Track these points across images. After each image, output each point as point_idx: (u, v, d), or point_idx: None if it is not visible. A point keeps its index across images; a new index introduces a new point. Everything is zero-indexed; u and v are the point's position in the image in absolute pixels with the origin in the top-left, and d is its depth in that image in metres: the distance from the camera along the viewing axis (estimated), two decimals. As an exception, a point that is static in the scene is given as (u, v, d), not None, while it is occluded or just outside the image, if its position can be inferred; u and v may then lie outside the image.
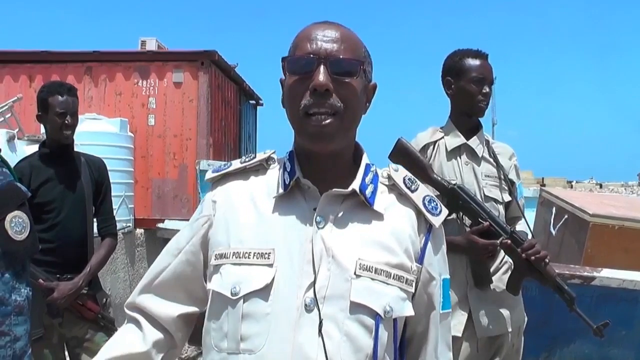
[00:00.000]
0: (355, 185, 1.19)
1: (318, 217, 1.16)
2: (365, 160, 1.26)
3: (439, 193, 2.45)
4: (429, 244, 1.24)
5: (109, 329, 3.07)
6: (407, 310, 1.18)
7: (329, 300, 1.11)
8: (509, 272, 2.51)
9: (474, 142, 2.60)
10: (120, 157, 7.46)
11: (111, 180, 3.35)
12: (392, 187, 1.26)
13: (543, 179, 20.07)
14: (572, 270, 3.66)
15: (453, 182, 2.48)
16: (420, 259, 1.22)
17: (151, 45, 9.36)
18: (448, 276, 1.30)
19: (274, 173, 1.25)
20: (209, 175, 1.30)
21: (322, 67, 1.13)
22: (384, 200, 1.23)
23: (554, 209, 4.84)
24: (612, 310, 3.64)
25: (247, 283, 1.12)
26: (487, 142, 2.64)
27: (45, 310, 2.91)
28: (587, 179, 23.04)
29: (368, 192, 1.20)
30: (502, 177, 2.60)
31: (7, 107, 6.79)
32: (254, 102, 11.64)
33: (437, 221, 1.25)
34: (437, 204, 1.27)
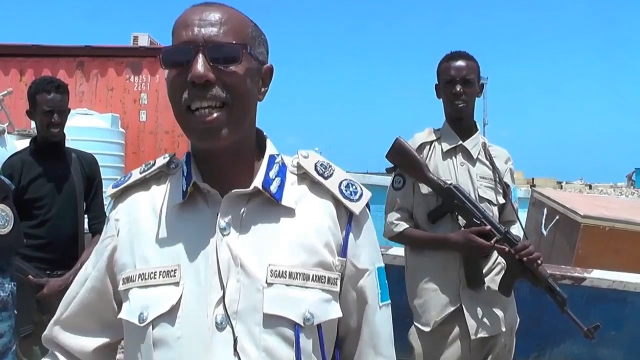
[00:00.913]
0: (258, 182, 1.07)
1: (222, 223, 1.04)
2: (269, 150, 1.13)
3: (432, 191, 2.49)
4: (351, 234, 1.12)
5: None
6: (333, 312, 1.07)
7: (242, 315, 1.00)
8: (502, 273, 2.52)
9: (469, 143, 2.61)
10: (111, 152, 7.42)
11: (102, 176, 3.32)
12: (303, 176, 1.13)
13: (533, 179, 20.18)
14: (563, 271, 3.67)
15: (449, 182, 2.49)
16: (343, 252, 1.10)
17: (143, 41, 9.33)
18: (382, 264, 1.19)
19: (175, 179, 1.13)
20: (109, 191, 1.18)
21: (200, 56, 1.00)
22: (294, 193, 1.10)
23: (545, 209, 4.86)
24: (602, 310, 3.65)
25: (154, 307, 1.02)
26: (484, 144, 2.66)
27: (35, 307, 2.89)
28: (577, 179, 23.17)
29: (273, 187, 1.08)
30: (497, 179, 2.61)
31: (-3, 101, 6.73)
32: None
33: (357, 207, 1.12)
34: (356, 188, 1.14)
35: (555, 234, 4.62)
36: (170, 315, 1.01)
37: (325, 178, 1.12)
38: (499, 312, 2.52)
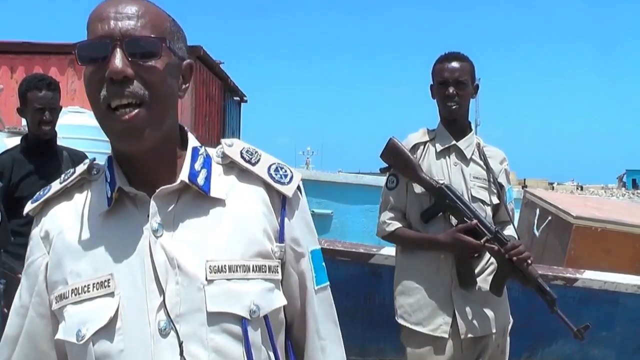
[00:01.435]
0: (184, 175, 1.02)
1: (154, 224, 0.99)
2: (192, 143, 1.09)
3: (425, 191, 2.50)
4: (286, 218, 1.09)
5: None
6: (278, 301, 1.05)
7: (185, 317, 0.96)
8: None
9: (463, 143, 2.61)
10: (103, 151, 7.31)
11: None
12: (230, 165, 1.09)
13: (525, 180, 20.31)
14: (555, 271, 3.68)
15: (441, 182, 2.49)
16: (280, 237, 1.07)
17: (136, 39, 9.26)
18: (318, 247, 1.17)
19: (98, 185, 1.07)
20: (28, 207, 1.11)
21: (117, 51, 0.95)
22: (223, 184, 1.07)
23: (537, 210, 4.87)
24: (593, 311, 3.66)
25: (91, 322, 0.97)
26: (479, 144, 2.66)
27: None
28: (569, 180, 23.31)
29: (200, 179, 1.04)
30: (492, 180, 2.61)
31: (-12, 98, 6.68)
32: (238, 98, 11.63)
33: (289, 190, 1.08)
34: (286, 171, 1.11)
35: (548, 234, 4.63)
36: (109, 329, 0.96)
37: (253, 164, 1.09)
38: (490, 313, 2.52)
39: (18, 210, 2.87)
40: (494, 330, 2.53)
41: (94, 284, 0.99)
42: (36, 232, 1.10)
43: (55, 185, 1.10)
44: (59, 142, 3.17)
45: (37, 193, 1.13)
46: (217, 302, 0.98)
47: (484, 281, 2.54)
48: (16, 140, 5.12)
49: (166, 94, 1.01)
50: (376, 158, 2.65)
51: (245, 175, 1.09)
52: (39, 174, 2.98)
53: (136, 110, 0.96)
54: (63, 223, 1.06)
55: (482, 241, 2.41)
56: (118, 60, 0.94)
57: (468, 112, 2.69)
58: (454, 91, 2.54)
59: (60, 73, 8.41)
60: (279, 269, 1.06)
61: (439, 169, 2.58)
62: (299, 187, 1.12)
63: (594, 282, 3.64)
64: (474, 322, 2.49)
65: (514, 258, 2.39)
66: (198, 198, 1.04)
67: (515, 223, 5.32)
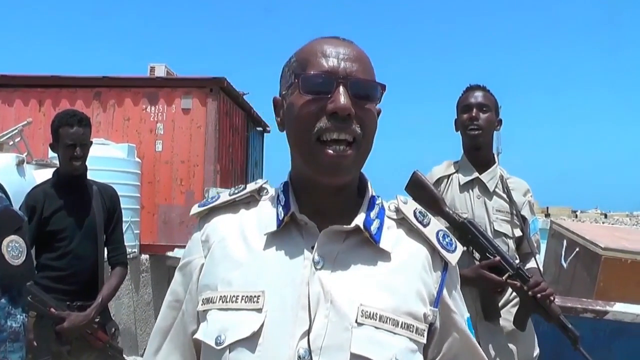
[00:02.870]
0: (359, 220, 1.05)
1: (316, 257, 1.02)
2: (370, 192, 1.12)
3: (449, 225, 2.49)
4: (446, 284, 1.11)
5: (117, 359, 3.08)
6: None
7: (326, 352, 0.96)
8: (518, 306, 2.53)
9: (486, 176, 2.64)
10: (127, 182, 7.45)
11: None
12: (401, 221, 1.12)
13: (548, 208, 20.04)
14: (584, 304, 3.61)
15: (464, 216, 2.49)
16: (436, 302, 1.08)
17: (160, 72, 9.42)
18: (468, 315, 1.19)
19: (267, 205, 1.12)
20: (195, 210, 1.17)
21: (342, 88, 0.99)
22: (391, 237, 1.09)
23: (564, 241, 4.80)
24: (625, 345, 3.59)
25: (233, 331, 0.99)
26: (502, 177, 2.67)
27: (54, 338, 2.91)
28: (592, 208, 22.98)
29: (373, 228, 1.06)
30: (514, 212, 2.62)
31: (16, 131, 6.82)
32: (261, 128, 11.68)
33: (453, 258, 1.11)
34: (451, 240, 1.13)
35: (576, 266, 4.55)
36: (250, 342, 0.98)
37: (424, 226, 1.11)
38: (513, 346, 2.54)
39: (49, 244, 2.97)
40: None
41: (243, 296, 1.01)
42: (197, 235, 1.14)
43: (224, 196, 1.15)
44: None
45: (205, 199, 1.18)
46: (362, 345, 0.97)
47: (507, 313, 2.55)
48: (44, 173, 5.20)
49: (372, 137, 1.06)
50: (401, 188, 2.65)
51: (413, 234, 1.11)
52: (69, 209, 3.06)
53: (349, 149, 1.01)
54: (225, 232, 1.11)
55: (504, 278, 2.40)
56: (344, 97, 0.99)
57: (492, 144, 2.72)
58: (477, 113, 2.60)
59: (86, 105, 8.55)
60: (425, 334, 1.06)
61: (462, 202, 2.62)
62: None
63: (626, 314, 3.55)
64: (497, 354, 2.50)
65: (537, 295, 2.38)
66: (364, 244, 1.06)
67: (542, 254, 5.28)
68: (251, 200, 1.15)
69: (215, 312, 1.02)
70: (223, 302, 1.02)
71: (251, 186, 1.15)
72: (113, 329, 3.14)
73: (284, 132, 1.10)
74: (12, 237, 1.77)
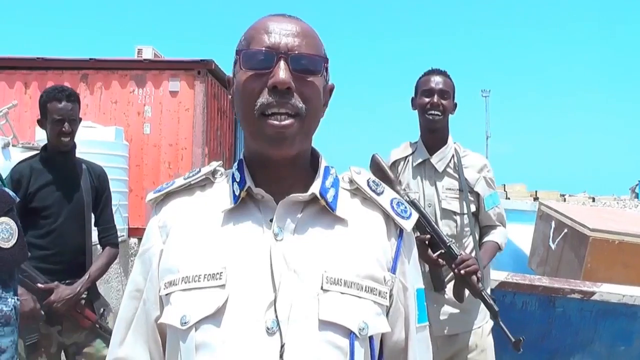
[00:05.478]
0: (315, 189, 1.07)
1: (276, 228, 1.03)
2: (323, 163, 1.15)
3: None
4: (401, 251, 1.13)
5: (107, 339, 3.03)
6: (383, 326, 1.06)
7: (294, 321, 0.97)
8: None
9: (435, 158, 2.84)
10: (115, 165, 7.39)
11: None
12: (356, 191, 1.15)
13: (536, 192, 20.14)
14: (572, 284, 3.65)
15: (411, 197, 2.70)
16: (393, 268, 1.10)
17: (147, 54, 9.32)
18: (422, 286, 1.19)
19: (222, 186, 1.13)
20: (150, 196, 1.16)
21: (282, 63, 1.01)
22: (347, 206, 1.11)
23: (553, 223, 4.84)
24: (611, 325, 3.63)
25: (197, 309, 0.99)
26: (456, 155, 2.84)
27: (44, 319, 2.86)
28: (580, 192, 23.12)
29: (329, 196, 1.08)
30: (467, 189, 2.80)
31: (2, 113, 6.73)
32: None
33: (408, 225, 1.13)
34: (405, 207, 1.16)
35: (564, 247, 4.59)
36: (215, 318, 0.98)
37: (378, 194, 1.14)
38: (461, 314, 2.76)
39: (34, 221, 2.89)
40: (463, 330, 2.77)
41: (205, 275, 1.01)
42: (154, 221, 1.14)
43: (179, 181, 1.16)
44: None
45: (161, 185, 1.18)
46: (329, 311, 0.99)
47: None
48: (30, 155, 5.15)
49: (317, 110, 1.08)
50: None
51: (367, 203, 1.14)
52: (57, 185, 2.98)
53: (290, 120, 1.02)
54: (182, 215, 1.11)
55: (435, 255, 2.61)
56: (283, 71, 1.01)
57: (447, 126, 2.88)
58: (438, 100, 2.77)
59: (73, 88, 8.46)
60: (388, 296, 1.08)
61: (414, 183, 2.85)
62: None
63: (612, 295, 3.60)
64: (445, 321, 2.75)
65: (461, 271, 2.56)
66: (322, 213, 1.08)
67: (530, 235, 5.32)
68: (206, 182, 1.16)
69: (179, 293, 1.02)
70: (185, 282, 1.02)
71: (205, 169, 1.16)
72: (102, 309, 3.09)
73: (234, 109, 1.12)
74: (3, 219, 1.74)
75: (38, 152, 3.08)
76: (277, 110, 1.01)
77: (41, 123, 3.03)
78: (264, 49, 1.03)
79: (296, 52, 1.03)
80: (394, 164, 2.92)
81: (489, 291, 2.85)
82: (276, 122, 1.01)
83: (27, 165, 3.00)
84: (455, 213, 2.78)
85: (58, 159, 3.02)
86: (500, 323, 2.57)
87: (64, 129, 2.93)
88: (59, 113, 2.93)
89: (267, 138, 1.03)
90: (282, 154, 1.05)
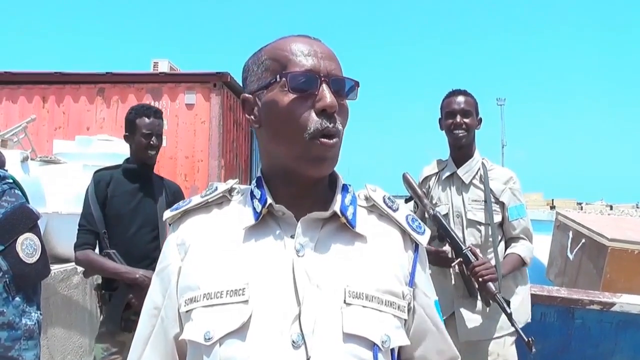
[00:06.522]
0: (336, 207, 1.09)
1: (297, 245, 1.04)
2: (341, 181, 1.17)
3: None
4: (418, 265, 1.16)
5: None
6: (403, 339, 1.08)
7: (319, 334, 0.98)
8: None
9: (461, 171, 2.98)
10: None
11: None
12: (372, 208, 1.17)
13: (553, 200, 19.99)
14: (591, 295, 3.61)
15: (437, 210, 2.87)
16: (410, 282, 1.13)
17: (163, 67, 9.42)
18: (437, 297, 1.24)
19: (240, 203, 1.14)
20: (167, 214, 1.17)
21: (325, 86, 1.03)
22: (365, 222, 1.13)
23: (570, 233, 4.80)
24: (632, 336, 3.59)
25: (221, 325, 0.99)
26: (482, 168, 2.96)
27: (122, 326, 2.92)
28: (598, 200, 22.90)
29: (349, 213, 1.10)
30: (491, 200, 2.89)
31: (20, 127, 6.81)
32: (264, 123, 11.64)
33: (423, 240, 1.16)
34: (419, 223, 1.19)
35: (582, 257, 4.55)
36: (239, 333, 0.98)
37: (394, 211, 1.17)
38: (487, 321, 2.82)
39: (107, 229, 2.94)
40: (484, 337, 2.81)
41: (227, 291, 1.02)
42: (172, 239, 1.15)
43: (196, 199, 1.17)
44: (87, 170, 3.22)
45: (177, 204, 1.19)
46: (353, 324, 1.00)
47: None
48: (48, 169, 5.19)
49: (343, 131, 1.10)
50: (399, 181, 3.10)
51: (384, 219, 1.17)
52: (133, 196, 3.06)
53: (336, 139, 1.05)
54: (200, 232, 1.12)
55: (454, 264, 2.75)
56: (329, 95, 1.03)
57: (474, 141, 3.03)
58: (461, 120, 2.92)
59: (89, 102, 8.56)
60: (406, 310, 1.10)
61: (445, 195, 3.00)
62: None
63: (632, 306, 3.55)
64: (470, 328, 2.82)
65: (477, 277, 2.65)
66: (341, 229, 1.10)
67: (547, 246, 5.27)
68: (223, 200, 1.17)
69: (200, 309, 1.03)
70: (207, 299, 1.02)
71: (222, 186, 1.17)
72: None
73: (258, 128, 1.12)
74: (27, 234, 1.77)
75: (120, 164, 3.18)
76: (329, 132, 1.03)
77: (127, 138, 3.16)
78: (306, 71, 1.04)
79: (334, 75, 1.06)
80: (426, 179, 3.12)
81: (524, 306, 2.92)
82: (329, 142, 1.03)
83: (108, 172, 3.10)
84: (480, 223, 2.89)
85: (140, 172, 3.11)
86: (515, 324, 2.60)
87: (151, 142, 3.07)
88: (148, 128, 3.07)
89: (314, 158, 1.04)
90: (323, 173, 1.08)
